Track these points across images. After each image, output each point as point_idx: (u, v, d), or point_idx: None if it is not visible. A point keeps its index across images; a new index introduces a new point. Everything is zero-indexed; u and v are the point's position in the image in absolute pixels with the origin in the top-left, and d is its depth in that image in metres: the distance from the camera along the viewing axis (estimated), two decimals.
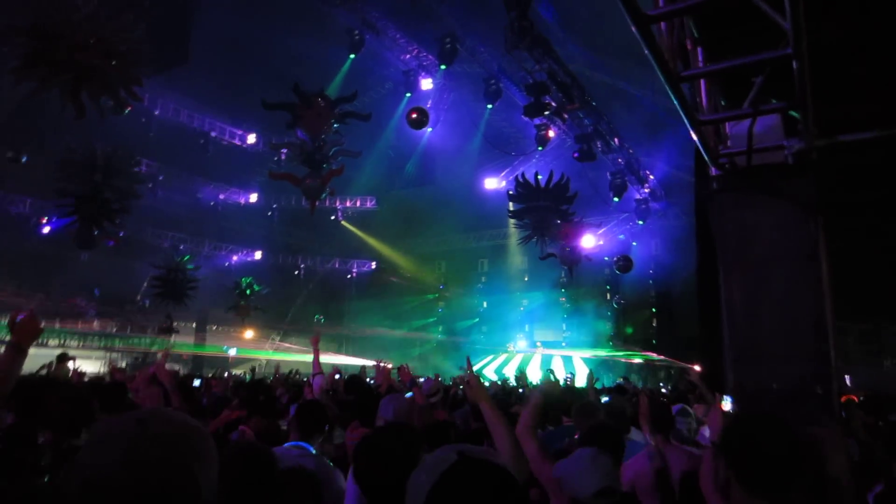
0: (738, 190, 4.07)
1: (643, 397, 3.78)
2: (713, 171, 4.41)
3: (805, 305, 3.92)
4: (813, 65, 3.32)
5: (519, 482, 1.12)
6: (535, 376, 21.91)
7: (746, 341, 4.21)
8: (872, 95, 4.24)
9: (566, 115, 16.35)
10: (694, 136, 4.11)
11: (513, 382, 15.02)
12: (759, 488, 1.64)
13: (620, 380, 14.22)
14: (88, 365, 17.02)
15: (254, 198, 25.41)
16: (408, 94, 18.17)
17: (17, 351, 2.17)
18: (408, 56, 16.89)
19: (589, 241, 19.86)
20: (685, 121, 3.82)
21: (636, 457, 3.40)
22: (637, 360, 22.59)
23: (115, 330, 22.66)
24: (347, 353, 25.28)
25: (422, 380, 6.37)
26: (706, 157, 4.32)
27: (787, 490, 1.63)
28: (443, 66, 16.61)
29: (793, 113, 3.88)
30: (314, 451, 3.20)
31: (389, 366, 6.96)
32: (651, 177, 20.24)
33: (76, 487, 0.95)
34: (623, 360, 22.93)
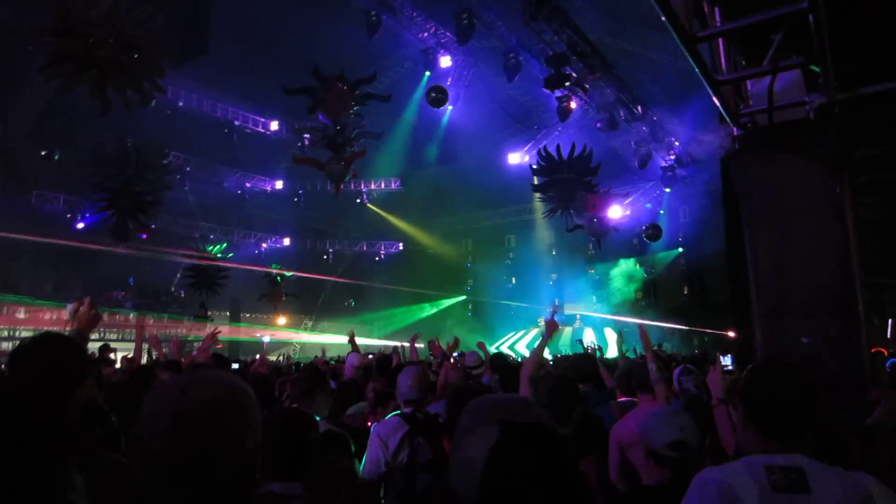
0: (761, 148, 4.10)
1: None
2: (735, 131, 4.45)
3: (831, 260, 3.97)
4: (830, 17, 3.34)
5: (562, 435, 1.16)
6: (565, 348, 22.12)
7: (773, 298, 4.28)
8: (893, 45, 4.22)
9: (587, 86, 16.26)
10: (714, 98, 4.15)
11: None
12: (772, 431, 1.74)
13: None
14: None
15: (279, 184, 25.64)
16: (427, 73, 18.20)
17: (80, 339, 2.35)
18: (425, 34, 16.90)
19: (616, 212, 19.87)
20: (704, 82, 3.87)
21: (625, 417, 3.54)
22: (671, 327, 22.54)
23: (151, 321, 23.28)
24: (377, 337, 25.55)
25: (456, 354, 6.50)
26: (727, 118, 4.36)
27: (798, 434, 1.73)
28: (461, 44, 16.61)
29: (813, 67, 3.89)
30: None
31: (417, 343, 7.13)
32: (676, 143, 19.98)
33: (138, 457, 1.05)
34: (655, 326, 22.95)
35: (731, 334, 16.55)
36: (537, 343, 3.65)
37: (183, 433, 1.04)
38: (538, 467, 1.07)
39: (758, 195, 4.20)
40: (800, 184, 4.14)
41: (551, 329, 3.78)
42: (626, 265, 25.08)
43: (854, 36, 4.03)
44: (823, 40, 3.44)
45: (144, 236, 15.90)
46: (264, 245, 26.81)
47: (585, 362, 5.26)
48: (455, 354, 6.20)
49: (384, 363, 6.37)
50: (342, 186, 16.68)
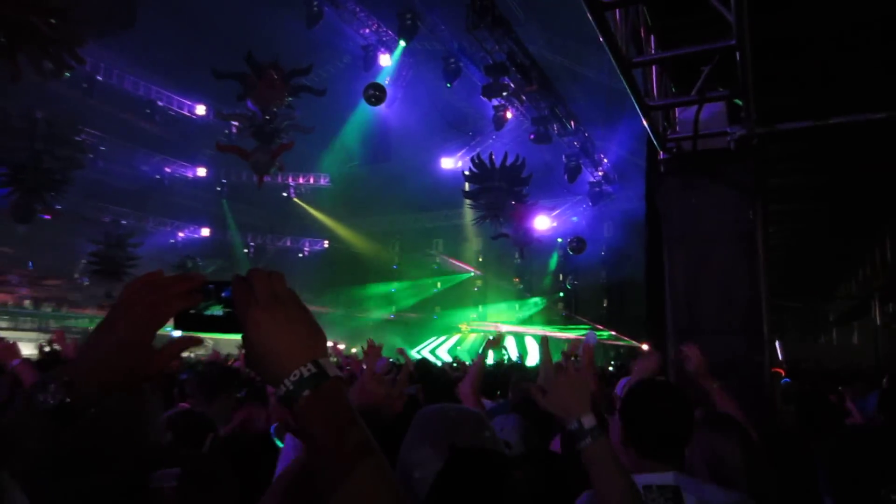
0: (684, 173, 4.37)
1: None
2: (662, 154, 4.71)
3: (741, 282, 4.28)
4: (755, 56, 3.61)
5: (509, 459, 1.16)
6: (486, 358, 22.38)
7: (687, 316, 4.56)
8: (809, 87, 4.59)
9: (524, 97, 16.61)
10: (644, 121, 4.39)
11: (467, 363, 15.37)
12: (648, 450, 1.76)
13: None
14: (22, 348, 16.40)
15: (202, 172, 24.72)
16: (366, 70, 18.06)
17: None
18: (367, 31, 16.80)
19: (542, 223, 20.32)
20: (636, 106, 4.08)
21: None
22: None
23: (50, 309, 21.95)
24: None
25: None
26: (655, 142, 4.62)
27: (672, 454, 1.75)
28: (402, 42, 16.60)
29: (737, 101, 4.19)
30: None
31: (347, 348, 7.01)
32: (605, 160, 20.74)
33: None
34: (574, 337, 23.66)
35: (645, 347, 17.30)
36: (478, 353, 3.64)
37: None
38: (484, 497, 1.08)
39: (677, 217, 4.46)
40: (717, 209, 4.43)
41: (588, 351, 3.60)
42: (549, 276, 25.91)
43: (775, 75, 4.36)
44: (747, 76, 3.72)
45: (48, 217, 14.89)
46: (181, 234, 25.83)
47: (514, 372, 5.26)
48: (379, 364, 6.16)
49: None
50: (267, 178, 16.24)
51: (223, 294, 0.89)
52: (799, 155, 5.43)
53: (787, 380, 6.52)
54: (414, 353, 22.62)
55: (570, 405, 1.45)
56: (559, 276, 25.67)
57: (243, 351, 0.97)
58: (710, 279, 4.55)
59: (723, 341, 4.30)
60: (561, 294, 25.54)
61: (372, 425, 0.83)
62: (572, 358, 1.58)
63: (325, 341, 0.88)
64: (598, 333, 22.66)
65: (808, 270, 15.34)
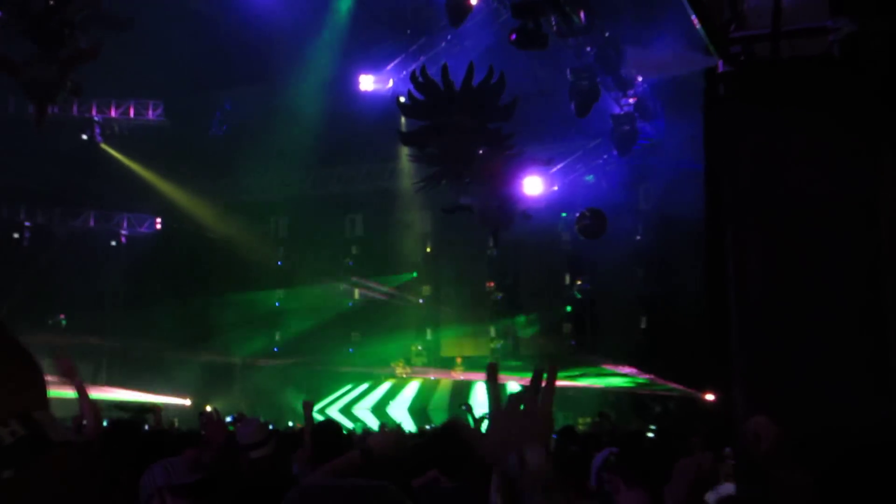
0: (757, 97, 4.27)
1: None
2: (721, 65, 4.62)
3: (856, 285, 4.19)
4: None
5: None
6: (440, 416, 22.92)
7: (764, 338, 4.43)
8: None
9: None
10: (689, 9, 4.29)
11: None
12: None
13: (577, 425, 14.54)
14: None
15: None
16: None
17: None
18: None
19: (534, 186, 20.06)
20: None
21: None
22: (618, 385, 24.03)
23: None
24: (114, 382, 25.45)
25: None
26: (709, 43, 4.53)
27: None
28: None
29: None
30: None
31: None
32: (640, 79, 20.76)
33: None
34: (592, 385, 24.09)
35: (710, 398, 17.90)
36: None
37: None
38: None
39: (749, 175, 4.37)
40: (815, 158, 4.37)
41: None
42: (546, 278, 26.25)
43: None
44: None
45: None
46: None
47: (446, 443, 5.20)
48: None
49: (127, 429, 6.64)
50: (53, 109, 15.97)
51: None
52: None
53: None
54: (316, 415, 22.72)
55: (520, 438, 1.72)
56: (563, 278, 25.94)
57: None
58: (803, 280, 4.48)
59: (828, 393, 4.20)
60: (568, 309, 25.88)
61: None
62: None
63: (44, 385, 0.92)
64: (631, 379, 23.00)
65: None
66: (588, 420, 20.57)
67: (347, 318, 28.29)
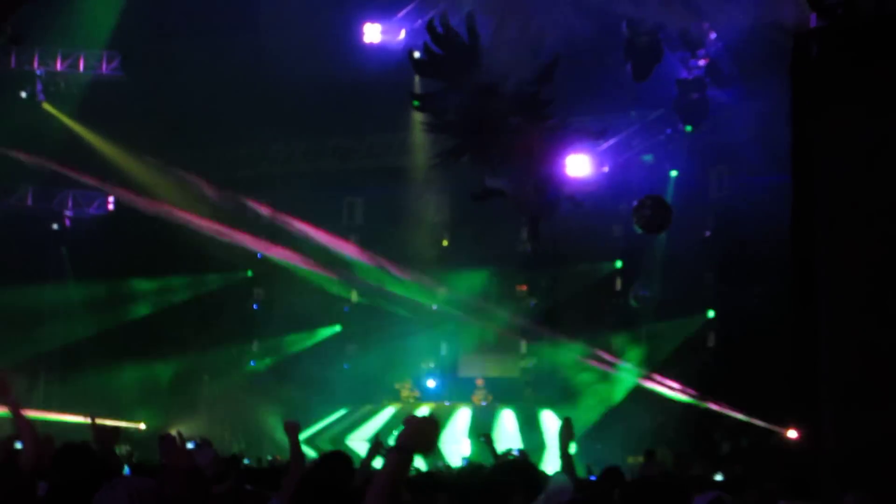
0: (858, 59, 4.23)
1: None
2: (814, 19, 4.58)
3: None
4: None
5: None
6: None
7: (865, 378, 4.43)
8: None
9: None
10: None
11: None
12: None
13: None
14: None
15: None
16: None
17: None
18: None
19: (579, 166, 19.93)
20: None
21: None
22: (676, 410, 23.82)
23: None
24: (52, 403, 25.74)
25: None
26: None
27: None
28: None
29: None
30: None
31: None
32: (713, 35, 20.73)
33: None
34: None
35: (792, 434, 17.67)
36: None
37: None
38: None
39: (847, 150, 4.35)
40: None
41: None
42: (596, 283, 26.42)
43: None
44: None
45: None
46: None
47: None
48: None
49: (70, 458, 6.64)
50: None
51: None
52: None
53: None
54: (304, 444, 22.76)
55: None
56: (613, 283, 26.17)
57: None
58: None
59: None
60: (619, 320, 25.98)
61: None
62: None
63: None
64: (694, 403, 22.92)
65: None
66: (640, 460, 20.53)
67: (342, 327, 28.40)
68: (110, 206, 28.65)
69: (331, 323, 28.83)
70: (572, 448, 7.79)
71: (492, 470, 6.75)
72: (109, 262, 27.17)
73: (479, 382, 27.00)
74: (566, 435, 7.99)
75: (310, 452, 22.71)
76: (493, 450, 13.18)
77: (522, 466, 5.95)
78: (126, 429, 22.62)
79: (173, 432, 7.58)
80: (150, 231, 27.62)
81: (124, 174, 27.66)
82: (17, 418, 6.51)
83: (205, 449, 7.68)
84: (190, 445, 10.51)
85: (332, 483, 5.94)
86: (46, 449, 6.93)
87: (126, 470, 8.17)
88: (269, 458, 20.03)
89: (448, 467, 15.74)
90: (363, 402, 27.14)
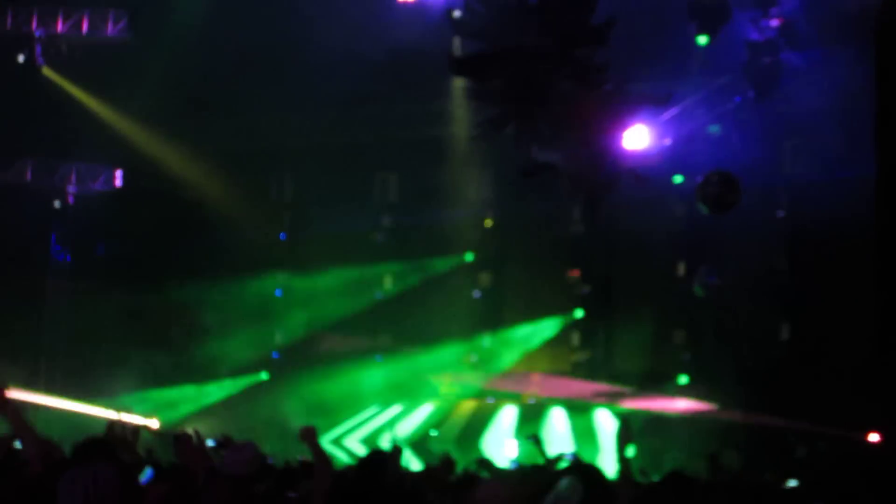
0: None
1: None
2: None
3: None
4: None
5: None
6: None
7: None
8: None
9: None
10: None
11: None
12: None
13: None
14: None
15: None
16: None
17: None
18: None
19: (637, 138, 19.87)
20: None
21: None
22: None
23: None
24: (53, 390, 26.19)
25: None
26: None
27: None
28: None
29: None
30: None
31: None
32: None
33: None
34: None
35: (874, 438, 17.69)
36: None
37: None
38: None
39: None
40: None
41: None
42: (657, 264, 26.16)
43: None
44: None
45: None
46: None
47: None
48: None
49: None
50: None
51: None
52: None
53: None
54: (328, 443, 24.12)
55: None
56: (675, 267, 25.94)
57: None
58: None
59: None
60: (681, 309, 25.82)
61: None
62: None
63: None
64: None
65: None
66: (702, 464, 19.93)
67: (375, 315, 28.51)
68: (117, 182, 28.71)
69: (364, 311, 28.68)
70: (630, 451, 7.90)
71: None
72: (117, 242, 27.70)
73: (533, 380, 27.30)
74: (624, 437, 8.09)
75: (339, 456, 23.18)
76: (542, 452, 13.44)
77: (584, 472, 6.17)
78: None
79: (190, 431, 8.00)
80: (159, 209, 27.75)
81: (131, 146, 27.84)
82: (18, 426, 6.82)
83: (240, 445, 7.30)
84: (211, 443, 10.67)
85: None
86: (49, 451, 7.22)
87: (148, 471, 8.11)
88: (299, 458, 19.95)
89: (492, 467, 15.86)
90: (397, 399, 27.45)
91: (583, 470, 6.73)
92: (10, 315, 27.15)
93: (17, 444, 8.24)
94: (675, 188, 24.34)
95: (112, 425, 9.23)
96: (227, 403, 28.16)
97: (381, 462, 7.84)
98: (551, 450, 14.96)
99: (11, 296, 27.28)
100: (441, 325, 27.54)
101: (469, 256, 27.94)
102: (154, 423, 24.99)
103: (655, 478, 12.66)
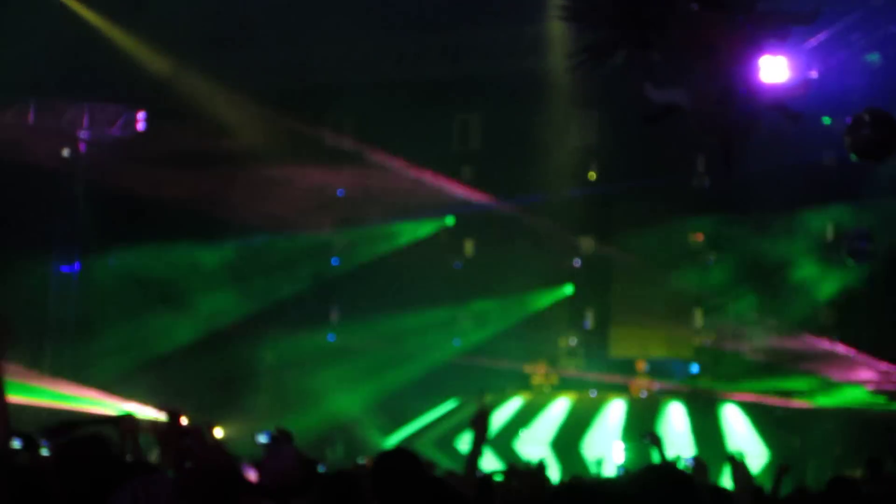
0: None
1: None
2: None
3: None
4: None
5: None
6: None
7: None
8: None
9: None
10: None
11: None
12: None
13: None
14: None
15: None
16: None
17: None
18: None
19: (776, 69, 17.73)
20: None
21: None
22: None
23: None
24: (60, 372, 26.78)
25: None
26: None
27: None
28: None
29: None
30: None
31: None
32: None
33: None
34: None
35: None
36: None
37: None
38: None
39: None
40: None
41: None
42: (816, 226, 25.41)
43: None
44: None
45: None
46: None
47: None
48: None
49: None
50: None
51: None
52: None
53: None
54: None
55: None
56: (823, 231, 25.14)
57: None
58: None
59: None
60: (830, 278, 25.07)
61: None
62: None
63: None
64: None
65: None
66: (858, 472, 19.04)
67: (453, 289, 27.83)
68: (139, 126, 27.62)
69: (440, 283, 27.62)
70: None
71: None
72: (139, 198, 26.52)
73: (640, 366, 26.18)
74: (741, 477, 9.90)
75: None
76: (662, 454, 13.47)
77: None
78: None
79: (218, 429, 8.05)
80: (190, 157, 27.15)
81: (156, 82, 27.30)
82: None
83: (284, 447, 8.10)
84: (263, 439, 11.51)
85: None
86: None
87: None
88: (362, 461, 18.71)
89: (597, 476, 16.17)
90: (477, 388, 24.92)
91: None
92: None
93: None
94: (824, 129, 22.20)
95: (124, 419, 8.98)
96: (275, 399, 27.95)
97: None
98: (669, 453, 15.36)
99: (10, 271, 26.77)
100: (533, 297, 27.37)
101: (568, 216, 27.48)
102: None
103: (787, 486, 12.90)
